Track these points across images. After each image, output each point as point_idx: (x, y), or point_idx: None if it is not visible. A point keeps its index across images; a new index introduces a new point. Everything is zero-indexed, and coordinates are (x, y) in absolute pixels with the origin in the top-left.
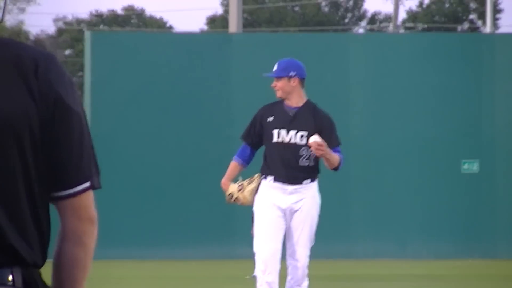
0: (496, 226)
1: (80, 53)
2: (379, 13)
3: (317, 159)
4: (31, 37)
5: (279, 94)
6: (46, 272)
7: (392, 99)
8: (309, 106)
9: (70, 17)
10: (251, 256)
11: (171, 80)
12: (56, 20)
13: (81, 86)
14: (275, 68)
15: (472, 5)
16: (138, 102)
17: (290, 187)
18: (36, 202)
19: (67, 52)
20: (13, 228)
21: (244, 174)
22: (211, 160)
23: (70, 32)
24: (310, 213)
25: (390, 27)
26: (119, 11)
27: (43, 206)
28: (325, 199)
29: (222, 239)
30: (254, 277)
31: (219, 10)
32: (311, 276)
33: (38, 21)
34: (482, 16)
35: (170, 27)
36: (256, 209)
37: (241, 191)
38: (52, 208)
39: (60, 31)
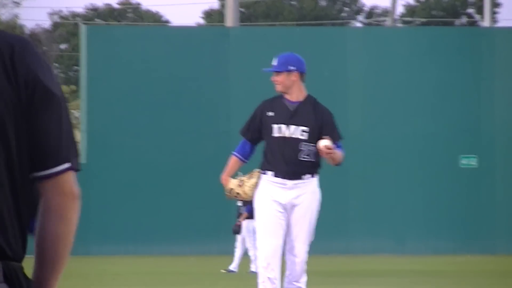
0: (495, 221)
1: (76, 48)
2: (377, 7)
3: (318, 154)
4: (27, 31)
5: (279, 88)
6: (27, 267)
7: (390, 94)
8: (309, 100)
9: (65, 11)
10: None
11: (167, 75)
12: (51, 14)
13: (77, 80)
14: (274, 62)
15: None
16: (134, 96)
17: (290, 182)
18: (18, 196)
19: (63, 46)
20: None
21: (243, 169)
22: (208, 155)
23: (66, 26)
24: (310, 208)
25: (388, 21)
26: (115, 5)
27: (25, 201)
28: (323, 195)
29: (219, 235)
30: (230, 271)
31: (216, 4)
32: (309, 272)
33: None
34: (480, 10)
35: (166, 21)
36: (256, 204)
37: (242, 186)
38: None
39: (55, 25)
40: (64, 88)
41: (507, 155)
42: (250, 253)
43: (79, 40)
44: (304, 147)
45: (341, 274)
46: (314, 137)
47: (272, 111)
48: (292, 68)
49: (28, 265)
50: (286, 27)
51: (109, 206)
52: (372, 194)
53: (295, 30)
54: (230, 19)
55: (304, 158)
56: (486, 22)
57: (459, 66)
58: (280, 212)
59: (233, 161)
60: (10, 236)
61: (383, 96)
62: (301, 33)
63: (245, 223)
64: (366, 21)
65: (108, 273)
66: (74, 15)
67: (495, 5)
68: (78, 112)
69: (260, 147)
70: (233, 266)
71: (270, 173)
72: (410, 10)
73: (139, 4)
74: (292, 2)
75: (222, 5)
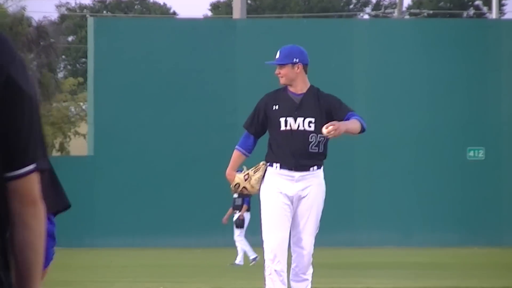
0: (502, 214)
1: (83, 40)
2: None
3: (326, 145)
4: (34, 23)
5: (283, 81)
6: None
7: (397, 86)
8: (313, 91)
9: (73, 3)
10: (251, 244)
11: (174, 67)
12: (59, 6)
13: (84, 72)
14: (277, 55)
15: None
16: (141, 88)
17: (297, 174)
18: None
19: (70, 38)
20: None
21: (246, 162)
22: (214, 148)
23: (73, 18)
24: (317, 200)
25: (395, 13)
26: None
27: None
28: (329, 187)
29: (225, 228)
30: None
31: None
32: (315, 264)
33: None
34: (487, 2)
35: (174, 13)
36: (262, 197)
37: (248, 180)
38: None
39: (63, 17)
40: (71, 80)
41: None
42: (238, 245)
43: (87, 32)
44: (313, 138)
45: (347, 267)
46: (321, 127)
47: (277, 104)
48: (296, 60)
49: None
50: (293, 19)
51: (116, 198)
52: (378, 186)
53: (302, 22)
54: (237, 11)
55: (313, 150)
56: (493, 14)
57: (466, 58)
58: (287, 204)
59: (236, 155)
60: None
61: (390, 88)
62: (308, 25)
63: (247, 216)
64: (373, 13)
65: (115, 265)
66: (82, 7)
67: None
68: (85, 104)
69: (262, 139)
70: (239, 260)
71: (276, 165)
72: (417, 2)
73: None
74: None
75: None
